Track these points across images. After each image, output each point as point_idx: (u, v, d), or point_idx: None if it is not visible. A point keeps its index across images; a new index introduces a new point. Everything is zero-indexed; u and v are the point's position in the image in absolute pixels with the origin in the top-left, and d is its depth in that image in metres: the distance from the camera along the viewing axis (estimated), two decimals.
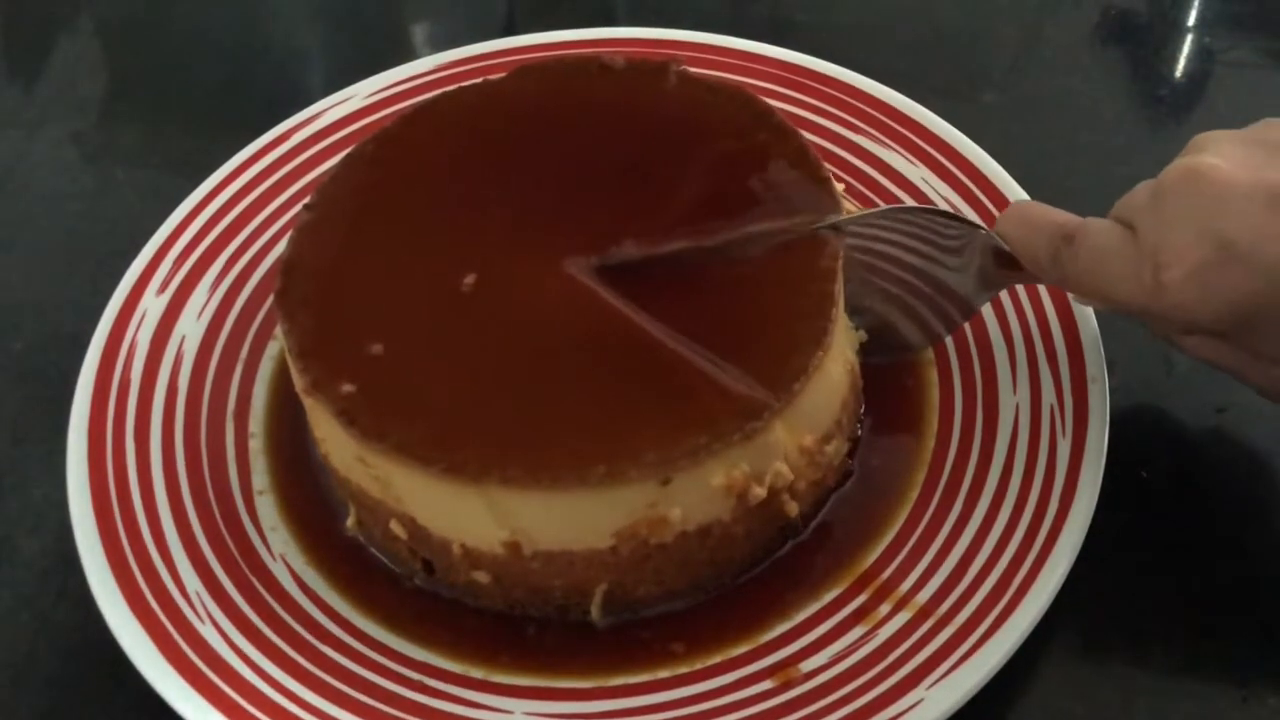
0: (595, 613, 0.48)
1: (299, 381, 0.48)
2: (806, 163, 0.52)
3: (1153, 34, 0.73)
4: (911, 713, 0.43)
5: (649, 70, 0.55)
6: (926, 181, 0.58)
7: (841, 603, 0.47)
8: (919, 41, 0.72)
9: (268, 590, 0.49)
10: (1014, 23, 0.73)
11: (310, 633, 0.48)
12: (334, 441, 0.48)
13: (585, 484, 0.44)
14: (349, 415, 0.46)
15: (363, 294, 0.49)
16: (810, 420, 0.48)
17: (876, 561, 0.48)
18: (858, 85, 0.61)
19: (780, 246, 0.49)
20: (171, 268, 0.57)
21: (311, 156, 0.61)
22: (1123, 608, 0.49)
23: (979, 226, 0.50)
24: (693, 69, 0.56)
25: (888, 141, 0.59)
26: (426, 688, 0.46)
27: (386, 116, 0.61)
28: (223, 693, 0.45)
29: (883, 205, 0.57)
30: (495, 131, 0.54)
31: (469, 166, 0.53)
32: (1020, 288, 0.54)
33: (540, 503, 0.45)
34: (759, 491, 0.46)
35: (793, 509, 0.48)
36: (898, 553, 0.48)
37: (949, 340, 0.54)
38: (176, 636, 0.46)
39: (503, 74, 0.56)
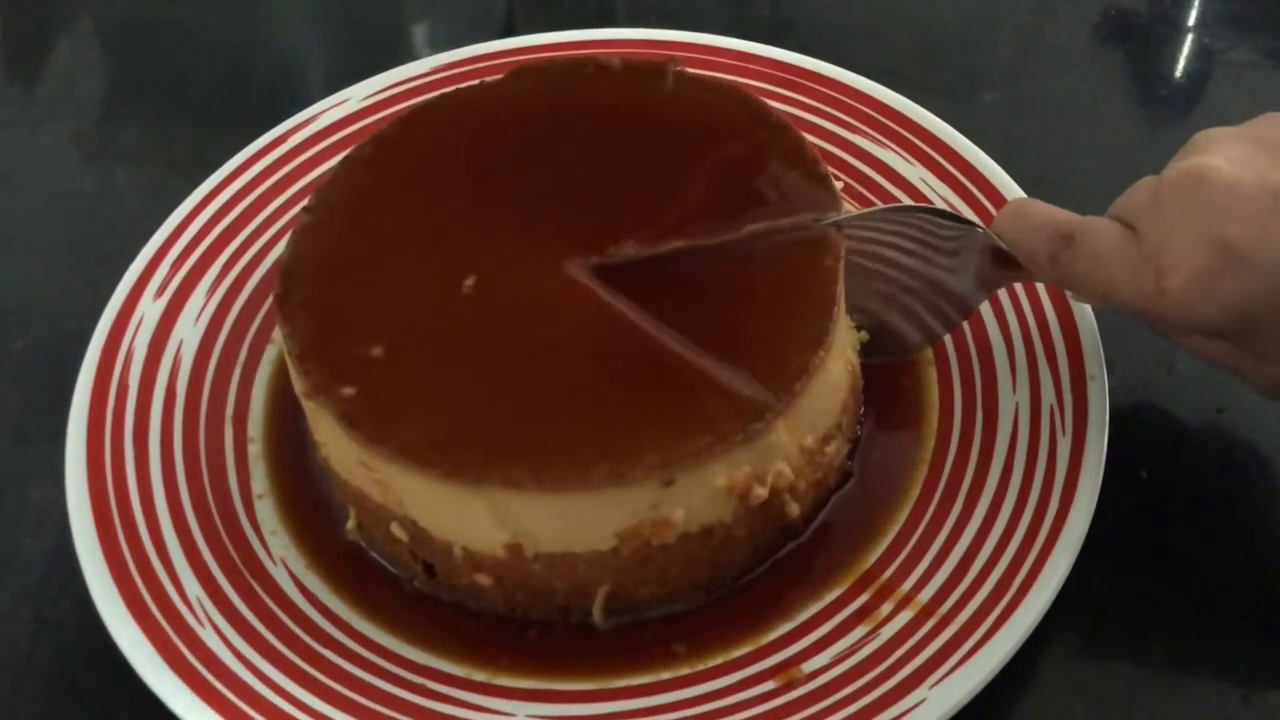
0: (597, 614, 0.48)
1: (300, 385, 0.48)
2: (805, 161, 0.52)
3: (1153, 34, 0.73)
4: (914, 712, 0.43)
5: (647, 70, 0.55)
6: (925, 181, 0.58)
7: (843, 603, 0.47)
8: (919, 41, 0.72)
9: (268, 594, 0.49)
10: (1014, 23, 0.73)
11: (311, 636, 0.47)
12: (335, 445, 0.48)
13: (588, 485, 0.44)
14: (351, 418, 0.46)
15: (363, 296, 0.49)
16: (811, 420, 0.48)
17: (878, 561, 0.48)
18: (856, 85, 0.61)
19: (781, 245, 0.49)
20: (169, 272, 0.57)
21: (308, 159, 0.61)
22: (1123, 608, 0.49)
23: (976, 225, 0.50)
24: (691, 69, 0.56)
25: (886, 142, 0.59)
26: (428, 691, 0.46)
27: (385, 118, 0.60)
28: (224, 697, 0.45)
29: (880, 205, 0.57)
30: (494, 133, 0.54)
31: (468, 168, 0.53)
32: (1019, 287, 0.54)
33: (543, 504, 0.45)
34: (761, 492, 0.46)
35: (794, 510, 0.48)
36: (899, 552, 0.48)
37: (948, 340, 0.54)
38: (177, 641, 0.46)
39: (501, 75, 0.56)
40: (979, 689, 0.44)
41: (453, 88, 0.57)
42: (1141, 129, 0.67)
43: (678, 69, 0.55)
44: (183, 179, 0.60)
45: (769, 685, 0.45)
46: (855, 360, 0.52)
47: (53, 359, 0.58)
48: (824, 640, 0.46)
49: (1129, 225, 0.44)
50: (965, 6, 0.74)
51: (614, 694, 0.46)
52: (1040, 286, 0.53)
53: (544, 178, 0.53)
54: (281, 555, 0.50)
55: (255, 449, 0.53)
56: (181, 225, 0.58)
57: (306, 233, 0.51)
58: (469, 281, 0.49)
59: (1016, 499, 0.48)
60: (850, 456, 0.52)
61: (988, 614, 0.45)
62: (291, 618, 0.48)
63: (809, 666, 0.46)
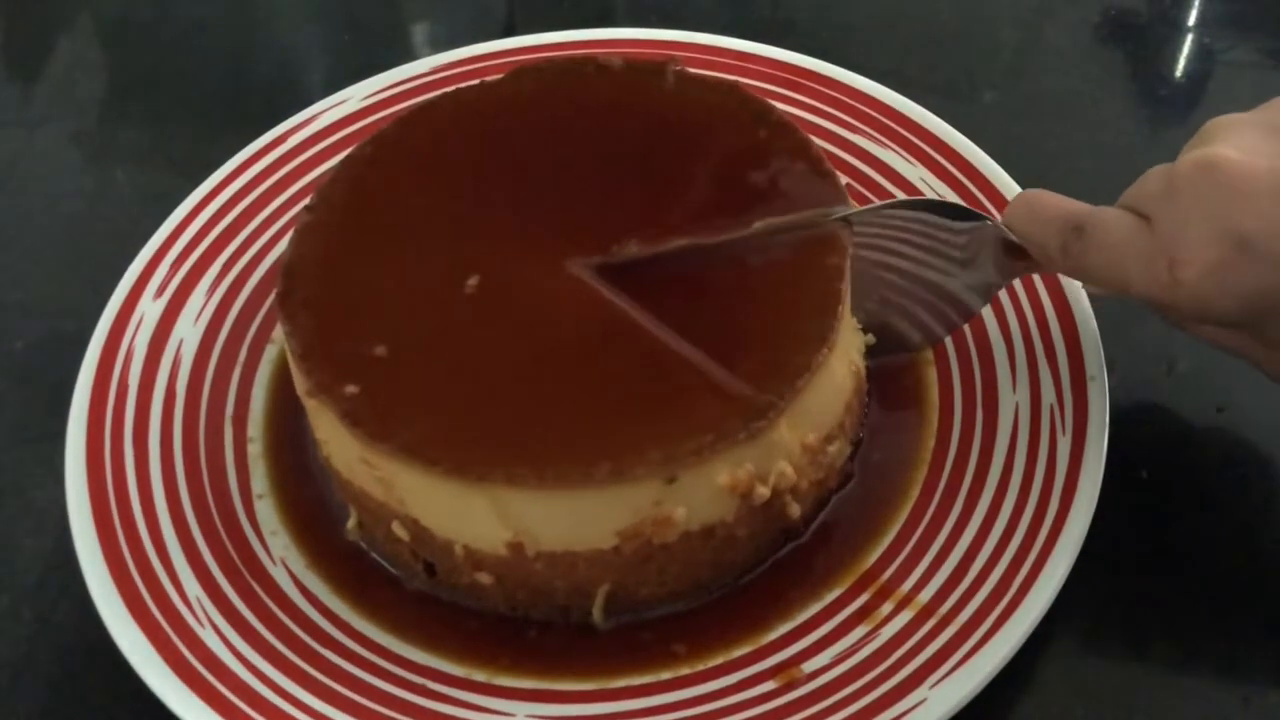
0: (597, 614, 0.48)
1: (302, 384, 0.48)
2: (808, 158, 0.52)
3: (1153, 34, 0.73)
4: (914, 712, 0.43)
5: (647, 70, 0.55)
6: (925, 181, 0.58)
7: (843, 603, 0.47)
8: (919, 41, 0.72)
9: (268, 594, 0.48)
10: (1014, 23, 0.73)
11: (311, 636, 0.47)
12: (337, 444, 0.48)
13: (591, 482, 0.44)
14: (353, 417, 0.46)
15: (365, 295, 0.49)
16: (814, 418, 0.48)
17: (878, 561, 0.48)
18: (856, 85, 0.61)
19: (786, 243, 0.49)
20: (168, 271, 0.57)
21: (308, 159, 0.61)
22: (1123, 608, 0.49)
23: (985, 218, 0.50)
24: (691, 69, 0.56)
25: (886, 142, 0.59)
26: (428, 691, 0.46)
27: (385, 118, 0.60)
28: (224, 697, 0.45)
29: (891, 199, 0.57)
30: (495, 132, 0.54)
31: (469, 168, 0.53)
32: (1019, 287, 0.54)
33: (545, 502, 0.45)
34: (763, 491, 0.46)
35: (795, 510, 0.48)
36: (899, 552, 0.48)
37: (948, 340, 0.54)
38: (177, 641, 0.46)
39: (501, 75, 0.56)
40: (979, 689, 0.44)
41: (453, 88, 0.57)
42: (1141, 129, 0.67)
43: (678, 69, 0.55)
44: (183, 179, 0.60)
45: (769, 685, 0.45)
46: (861, 363, 0.52)
47: (53, 359, 0.57)
48: (824, 640, 0.46)
49: (1141, 215, 0.44)
50: (965, 6, 0.74)
51: (614, 694, 0.46)
52: (1040, 286, 0.53)
53: (545, 177, 0.53)
54: (281, 555, 0.50)
55: (255, 449, 0.53)
56: (181, 225, 0.58)
57: (308, 232, 0.51)
58: (471, 280, 0.49)
59: (1016, 499, 0.48)
60: (851, 459, 0.52)
61: (988, 614, 0.45)
62: (291, 618, 0.48)
63: (809, 666, 0.46)
